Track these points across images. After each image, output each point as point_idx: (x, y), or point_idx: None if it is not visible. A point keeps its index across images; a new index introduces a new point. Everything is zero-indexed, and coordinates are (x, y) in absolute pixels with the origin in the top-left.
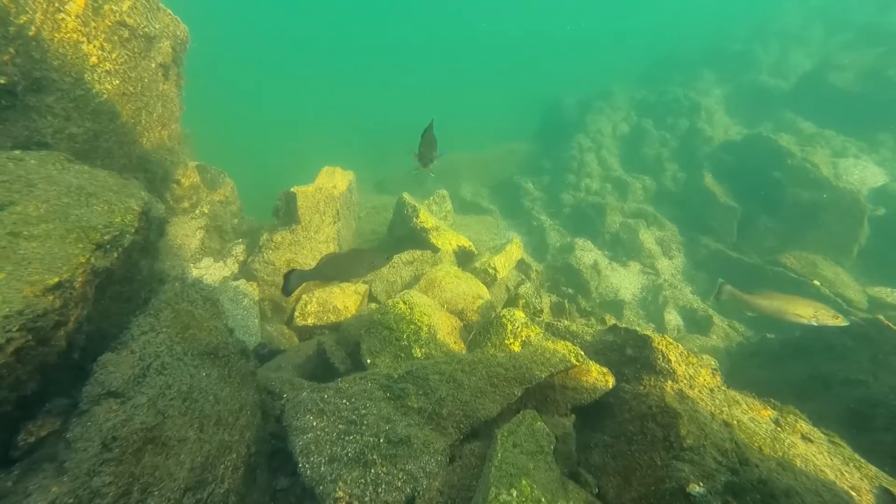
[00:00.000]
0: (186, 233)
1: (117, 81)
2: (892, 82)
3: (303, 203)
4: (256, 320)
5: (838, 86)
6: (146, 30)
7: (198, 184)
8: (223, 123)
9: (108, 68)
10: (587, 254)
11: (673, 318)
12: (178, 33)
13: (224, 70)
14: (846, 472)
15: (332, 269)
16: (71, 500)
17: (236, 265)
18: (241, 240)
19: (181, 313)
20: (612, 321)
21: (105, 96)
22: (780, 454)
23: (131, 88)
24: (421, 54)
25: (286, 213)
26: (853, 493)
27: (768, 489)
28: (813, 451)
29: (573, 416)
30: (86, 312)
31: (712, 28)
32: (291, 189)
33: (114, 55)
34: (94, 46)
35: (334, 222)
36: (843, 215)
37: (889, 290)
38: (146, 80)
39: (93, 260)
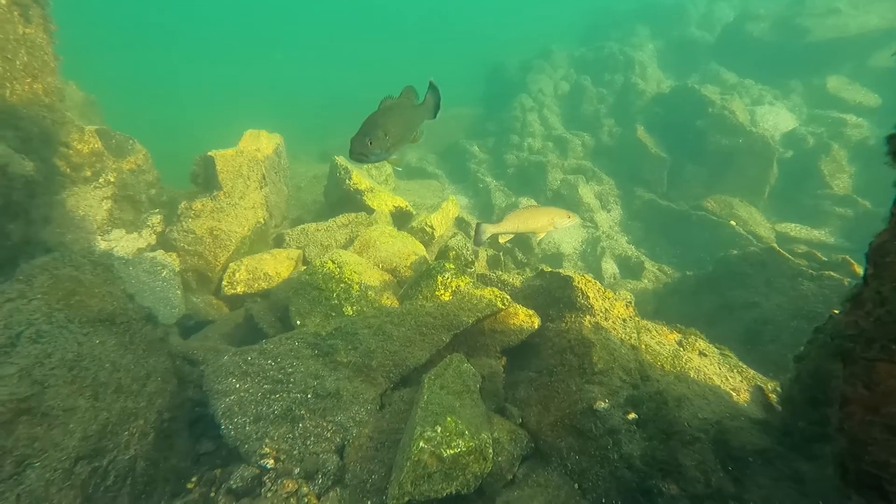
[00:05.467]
0: (90, 203)
1: None
2: (800, 30)
3: (222, 167)
4: (178, 291)
5: (755, 35)
6: None
7: (100, 150)
8: (165, 92)
9: None
10: None
11: (609, 266)
12: None
13: (161, 35)
14: (730, 377)
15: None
16: None
17: (153, 236)
18: (158, 210)
19: (62, 279)
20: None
21: None
22: (679, 369)
23: None
24: (370, 22)
25: (206, 179)
26: (733, 393)
27: (662, 398)
28: (706, 363)
29: (504, 358)
30: None
31: None
32: (209, 153)
33: None
34: None
35: (261, 187)
36: (757, 158)
37: (793, 225)
38: None
39: None
